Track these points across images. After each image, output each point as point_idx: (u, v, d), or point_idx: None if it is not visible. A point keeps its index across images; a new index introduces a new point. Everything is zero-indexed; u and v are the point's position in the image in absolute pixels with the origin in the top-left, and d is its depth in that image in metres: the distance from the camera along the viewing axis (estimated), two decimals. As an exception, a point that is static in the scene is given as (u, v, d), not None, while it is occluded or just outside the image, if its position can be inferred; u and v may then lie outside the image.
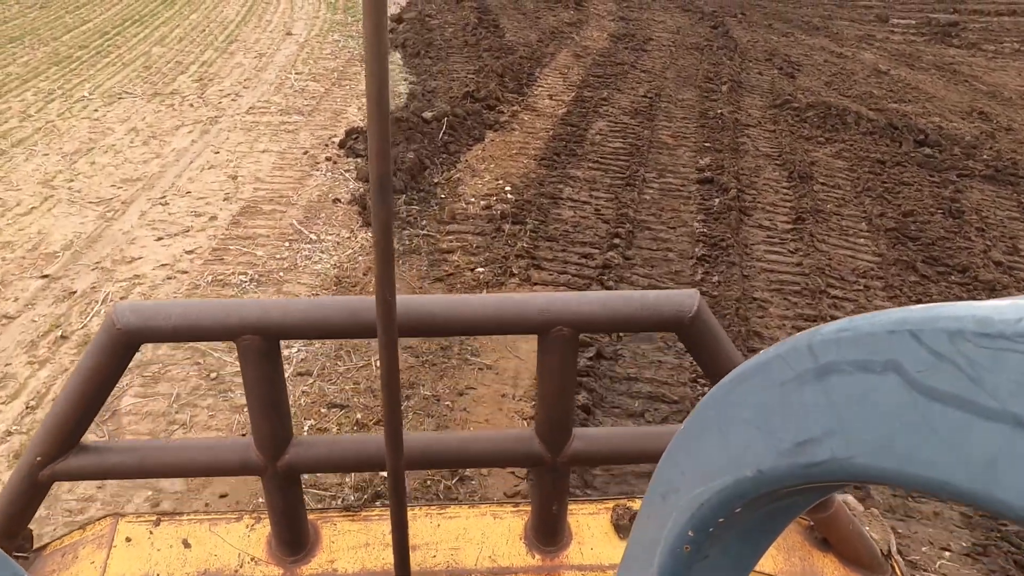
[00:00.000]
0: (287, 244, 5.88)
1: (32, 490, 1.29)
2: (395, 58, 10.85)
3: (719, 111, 9.17)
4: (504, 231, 5.98)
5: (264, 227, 6.12)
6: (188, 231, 6.05)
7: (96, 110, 8.67)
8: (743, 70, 11.31)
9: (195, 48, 11.30)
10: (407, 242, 5.81)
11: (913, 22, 15.74)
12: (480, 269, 5.47)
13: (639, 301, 1.24)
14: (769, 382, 0.49)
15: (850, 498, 1.48)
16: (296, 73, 10.23)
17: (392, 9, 13.68)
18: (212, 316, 1.20)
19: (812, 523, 1.46)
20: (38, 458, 1.26)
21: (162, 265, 5.55)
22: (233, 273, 5.41)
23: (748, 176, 7.40)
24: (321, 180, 7.00)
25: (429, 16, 12.85)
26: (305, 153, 7.60)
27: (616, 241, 5.92)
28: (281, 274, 5.44)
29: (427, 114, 7.97)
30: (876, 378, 0.41)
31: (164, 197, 6.63)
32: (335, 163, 7.35)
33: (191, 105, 8.93)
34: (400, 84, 9.68)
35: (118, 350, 1.20)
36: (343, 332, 1.25)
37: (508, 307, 1.23)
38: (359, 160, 7.35)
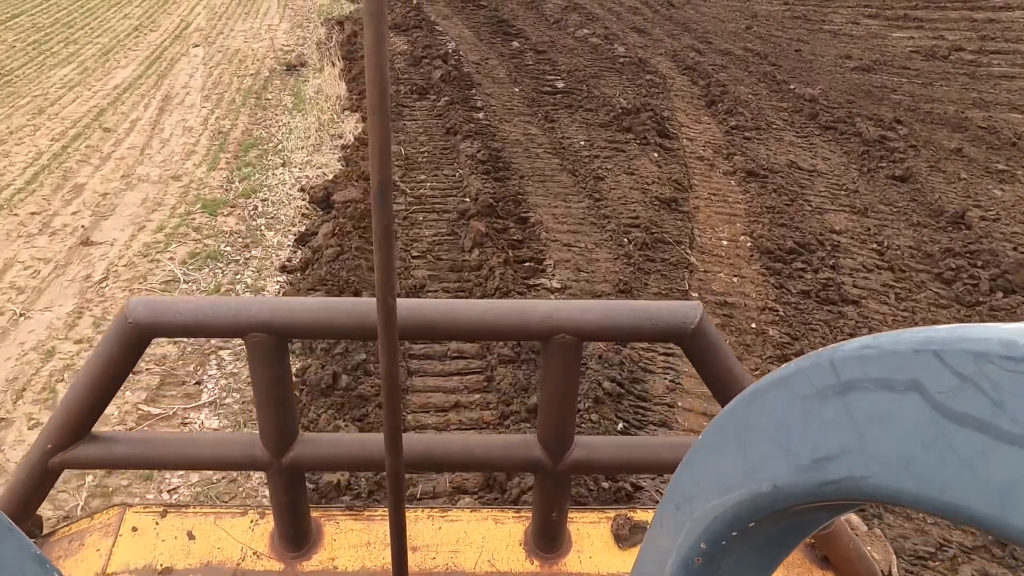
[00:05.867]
0: None
1: (42, 477, 1.25)
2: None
3: None
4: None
5: None
6: None
7: None
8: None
9: None
10: None
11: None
12: None
13: (642, 311, 1.18)
14: (790, 396, 0.46)
15: (853, 517, 1.42)
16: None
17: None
18: (222, 314, 1.16)
19: (812, 540, 1.39)
20: (48, 446, 1.23)
21: None
22: None
23: None
24: None
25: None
26: None
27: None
28: None
29: None
30: (898, 397, 0.40)
31: None
32: None
33: None
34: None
35: (129, 344, 1.17)
36: (348, 333, 1.19)
37: (512, 313, 1.18)
38: None
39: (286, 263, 5.24)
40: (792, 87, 10.35)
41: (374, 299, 0.99)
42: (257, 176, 6.55)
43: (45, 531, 1.42)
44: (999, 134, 9.12)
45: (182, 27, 11.85)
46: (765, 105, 9.64)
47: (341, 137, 7.21)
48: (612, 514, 1.48)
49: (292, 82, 9.22)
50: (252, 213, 5.92)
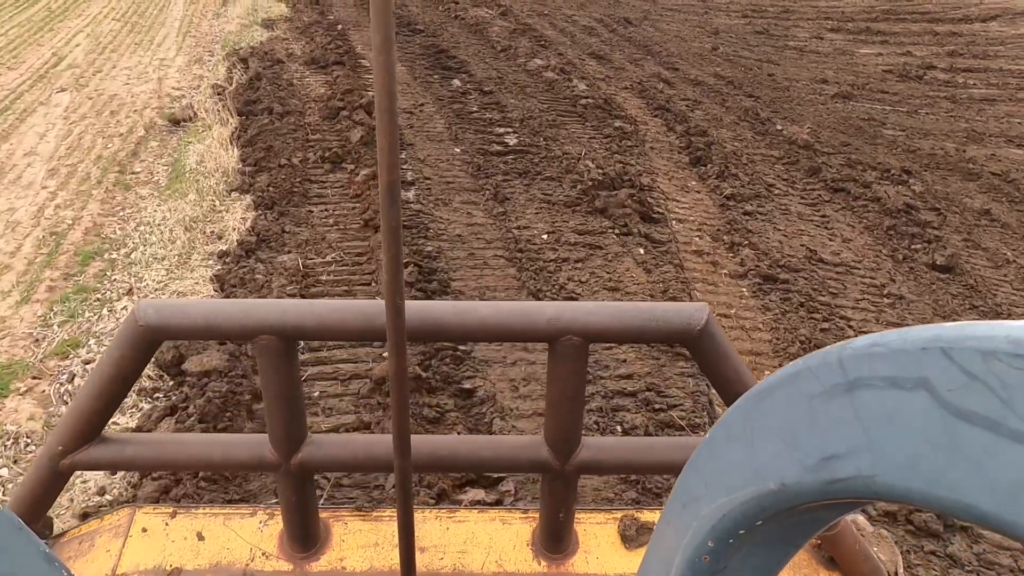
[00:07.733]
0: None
1: (53, 479, 1.24)
2: None
3: None
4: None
5: None
6: None
7: None
8: None
9: None
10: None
11: None
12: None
13: (648, 313, 1.17)
14: (798, 395, 0.45)
15: (860, 518, 1.38)
16: None
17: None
18: (231, 316, 1.14)
19: (819, 541, 1.36)
20: (59, 448, 1.22)
21: None
22: None
23: None
24: None
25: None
26: None
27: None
28: None
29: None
30: (905, 395, 0.39)
31: None
32: None
33: None
34: None
35: (140, 346, 1.15)
36: (357, 335, 1.17)
37: (519, 315, 1.17)
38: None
39: (105, 486, 3.27)
40: (779, 127, 8.81)
41: (382, 301, 0.96)
42: (87, 314, 4.52)
43: (56, 532, 1.40)
44: (1016, 183, 7.93)
45: (52, 63, 9.62)
46: (755, 155, 7.98)
47: (221, 238, 5.22)
48: (619, 515, 1.46)
49: (174, 144, 7.14)
50: (64, 390, 3.90)
